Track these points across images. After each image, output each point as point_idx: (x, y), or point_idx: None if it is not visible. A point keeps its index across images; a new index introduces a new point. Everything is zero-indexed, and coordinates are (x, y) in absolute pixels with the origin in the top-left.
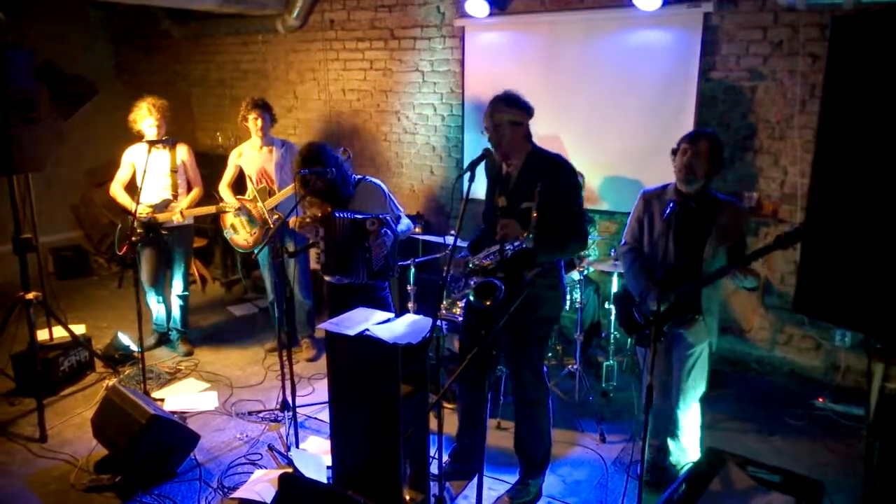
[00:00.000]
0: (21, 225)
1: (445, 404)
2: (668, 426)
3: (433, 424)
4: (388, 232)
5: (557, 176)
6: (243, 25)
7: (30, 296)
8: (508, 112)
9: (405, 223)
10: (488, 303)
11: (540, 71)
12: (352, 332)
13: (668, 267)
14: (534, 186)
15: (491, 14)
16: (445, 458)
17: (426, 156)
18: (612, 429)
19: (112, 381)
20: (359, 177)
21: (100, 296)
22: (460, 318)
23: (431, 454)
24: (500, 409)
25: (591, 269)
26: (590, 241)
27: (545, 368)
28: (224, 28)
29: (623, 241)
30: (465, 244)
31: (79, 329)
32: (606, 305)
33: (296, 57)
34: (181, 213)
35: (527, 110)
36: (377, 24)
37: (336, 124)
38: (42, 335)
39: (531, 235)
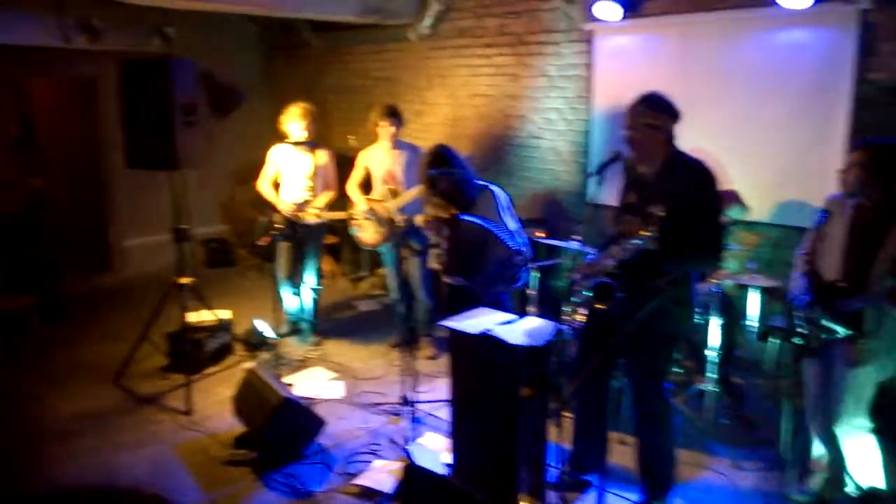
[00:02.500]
0: (179, 217)
1: (566, 413)
2: (830, 453)
3: (553, 432)
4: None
5: (695, 182)
6: (377, 35)
7: (183, 281)
8: (645, 114)
9: (525, 252)
10: (604, 305)
11: (673, 75)
12: (474, 332)
13: (831, 278)
14: (667, 191)
15: (623, 17)
16: (563, 467)
17: (551, 160)
18: (749, 455)
19: (250, 364)
20: (483, 182)
21: (241, 285)
22: (582, 325)
23: (550, 462)
24: (622, 423)
25: (728, 283)
26: (726, 253)
27: (669, 384)
28: (359, 38)
29: (800, 249)
30: (592, 250)
31: (225, 314)
32: (743, 321)
33: (425, 63)
34: (316, 214)
35: (669, 114)
36: (505, 30)
37: (462, 128)
38: (192, 318)
39: (652, 236)
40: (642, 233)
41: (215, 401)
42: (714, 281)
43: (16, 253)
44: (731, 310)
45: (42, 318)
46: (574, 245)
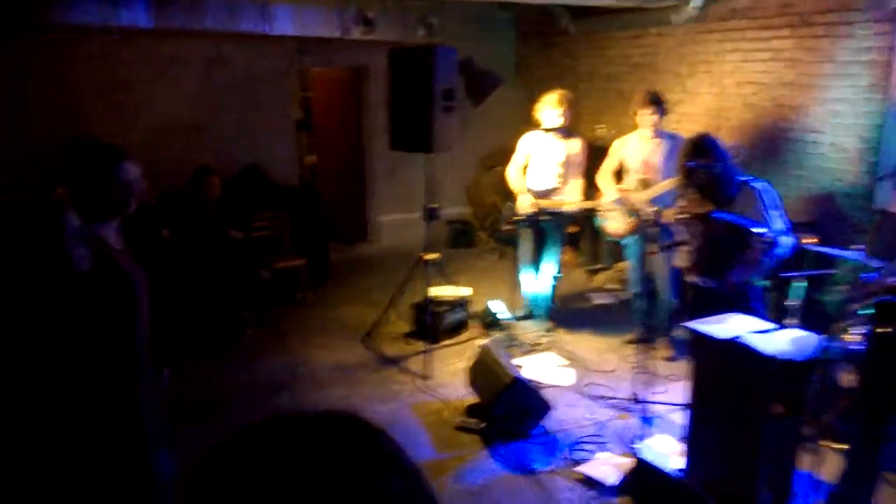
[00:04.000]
0: (430, 197)
1: (826, 442)
2: None
3: (807, 460)
4: (766, 260)
5: None
6: (636, 19)
7: (429, 257)
8: None
9: (785, 243)
10: (889, 328)
11: None
12: (722, 337)
13: None
14: None
15: None
16: (817, 501)
17: (831, 158)
18: None
19: (484, 341)
20: (744, 178)
21: (479, 266)
22: (854, 347)
23: (797, 490)
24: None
25: None
26: None
27: None
28: (617, 23)
29: None
30: (878, 262)
31: (465, 292)
32: None
33: (689, 49)
34: (564, 203)
35: None
36: (787, 9)
37: (725, 120)
38: (435, 292)
39: None
40: None
41: (450, 370)
42: None
43: (295, 220)
44: None
45: (311, 278)
46: (853, 255)
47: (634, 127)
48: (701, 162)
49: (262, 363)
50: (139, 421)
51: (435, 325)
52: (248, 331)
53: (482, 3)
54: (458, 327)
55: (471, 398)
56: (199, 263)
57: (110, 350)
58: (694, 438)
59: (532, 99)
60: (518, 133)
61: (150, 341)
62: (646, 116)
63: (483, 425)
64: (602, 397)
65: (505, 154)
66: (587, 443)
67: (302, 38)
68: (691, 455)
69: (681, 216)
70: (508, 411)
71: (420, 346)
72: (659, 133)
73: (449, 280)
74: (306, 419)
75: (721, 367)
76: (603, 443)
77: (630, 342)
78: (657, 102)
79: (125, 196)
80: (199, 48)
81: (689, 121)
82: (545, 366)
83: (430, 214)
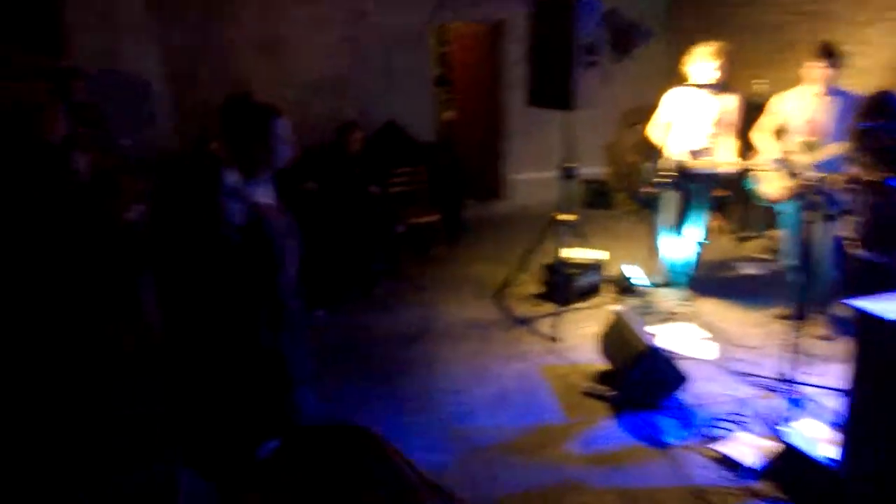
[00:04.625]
0: (568, 156)
1: None
2: None
3: None
4: None
5: None
6: None
7: (564, 217)
8: None
9: None
10: None
11: None
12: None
13: None
14: None
15: None
16: None
17: None
18: None
19: (617, 307)
20: None
21: (616, 229)
22: None
23: None
24: None
25: None
26: None
27: None
28: None
29: None
30: None
31: (600, 255)
32: None
33: None
34: (713, 163)
35: None
36: None
37: None
38: (567, 253)
39: None
40: None
41: (580, 334)
42: None
43: (432, 176)
44: None
45: (445, 234)
46: None
47: (798, 82)
48: (879, 123)
49: (396, 314)
50: (283, 361)
51: (566, 287)
52: (382, 283)
53: None
54: (591, 291)
55: (600, 364)
56: (340, 216)
57: (258, 296)
58: (853, 427)
59: (680, 52)
60: (663, 89)
61: (302, 287)
62: (816, 70)
63: (613, 393)
64: (744, 374)
65: (648, 111)
66: (725, 420)
67: None
68: (848, 445)
69: (850, 183)
70: (641, 380)
71: (550, 307)
72: (832, 90)
73: (583, 242)
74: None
75: (891, 352)
76: (743, 422)
77: (780, 317)
78: (831, 54)
79: (277, 151)
80: (344, 4)
81: (864, 75)
82: (682, 336)
83: (567, 173)
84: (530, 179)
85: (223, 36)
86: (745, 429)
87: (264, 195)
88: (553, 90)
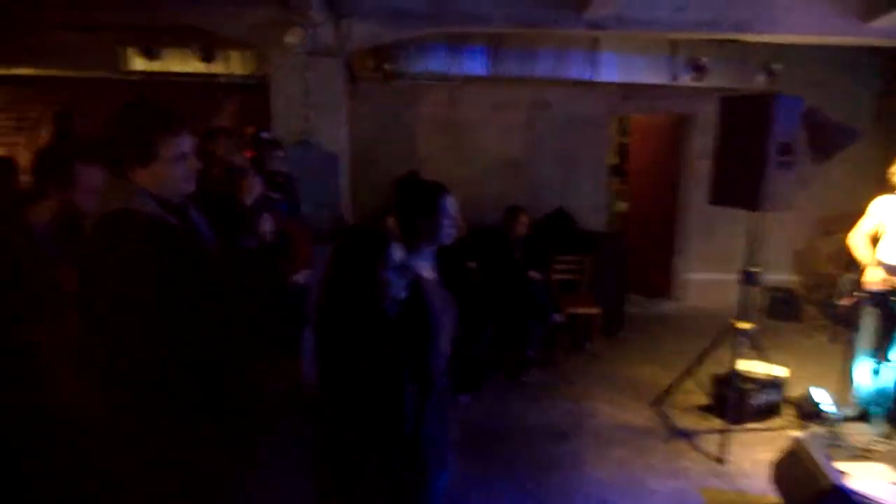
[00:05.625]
0: (751, 259)
1: None
2: None
3: None
4: None
5: None
6: None
7: (742, 326)
8: None
9: None
10: None
11: None
12: None
13: None
14: None
15: None
16: None
17: None
18: None
19: (798, 433)
20: None
21: (804, 344)
22: None
23: None
24: None
25: None
26: None
27: None
28: None
29: None
30: None
31: (780, 372)
32: None
33: None
34: None
35: None
36: None
37: None
38: (743, 366)
39: None
40: None
41: (752, 458)
42: None
43: (596, 267)
44: None
45: (604, 328)
46: None
47: None
48: None
49: (544, 407)
50: (424, 439)
51: (740, 403)
52: (533, 372)
53: (844, 47)
54: (768, 411)
55: (773, 497)
56: (497, 298)
57: (408, 369)
58: None
59: (890, 156)
60: (869, 195)
61: (450, 367)
62: None
63: None
64: None
65: (850, 218)
66: None
67: (625, 83)
68: None
69: None
70: None
71: (718, 423)
72: None
73: (762, 355)
74: None
75: None
76: None
77: None
78: None
79: (443, 227)
80: (525, 93)
81: None
82: (878, 479)
83: (749, 278)
84: (706, 280)
85: (408, 116)
86: None
87: (425, 269)
88: (741, 189)
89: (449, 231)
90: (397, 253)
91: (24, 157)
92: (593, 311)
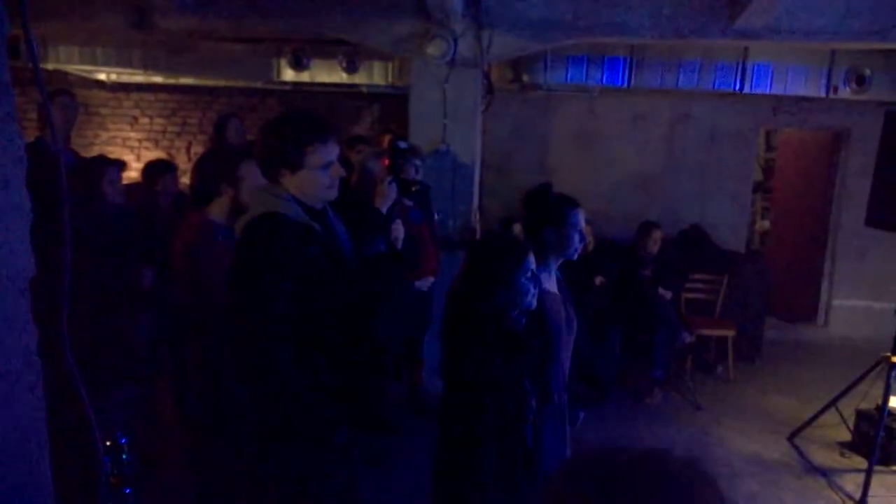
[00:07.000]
0: None
1: None
2: None
3: None
4: None
5: None
6: None
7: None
8: None
9: None
10: None
11: None
12: None
13: None
14: None
15: None
16: None
17: None
18: None
19: None
20: None
21: None
22: None
23: None
24: None
25: None
26: None
27: None
28: None
29: None
30: None
31: None
32: None
33: None
34: None
35: None
36: None
37: None
38: (895, 402)
39: None
40: None
41: None
42: None
43: (733, 287)
44: None
45: (738, 352)
46: None
47: None
48: None
49: (666, 431)
50: (536, 454)
51: (887, 442)
52: (657, 393)
53: None
54: None
55: None
56: (624, 315)
57: (529, 383)
58: None
59: None
60: None
61: (570, 384)
62: None
63: None
64: None
65: None
66: None
67: (775, 95)
68: None
69: None
70: None
71: (860, 462)
72: None
73: None
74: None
75: None
76: None
77: None
78: None
79: (570, 240)
80: (666, 105)
81: None
82: None
83: None
84: (855, 307)
85: (542, 126)
86: None
87: (549, 282)
88: None
89: (577, 246)
90: (532, 262)
91: (182, 161)
92: (727, 332)
